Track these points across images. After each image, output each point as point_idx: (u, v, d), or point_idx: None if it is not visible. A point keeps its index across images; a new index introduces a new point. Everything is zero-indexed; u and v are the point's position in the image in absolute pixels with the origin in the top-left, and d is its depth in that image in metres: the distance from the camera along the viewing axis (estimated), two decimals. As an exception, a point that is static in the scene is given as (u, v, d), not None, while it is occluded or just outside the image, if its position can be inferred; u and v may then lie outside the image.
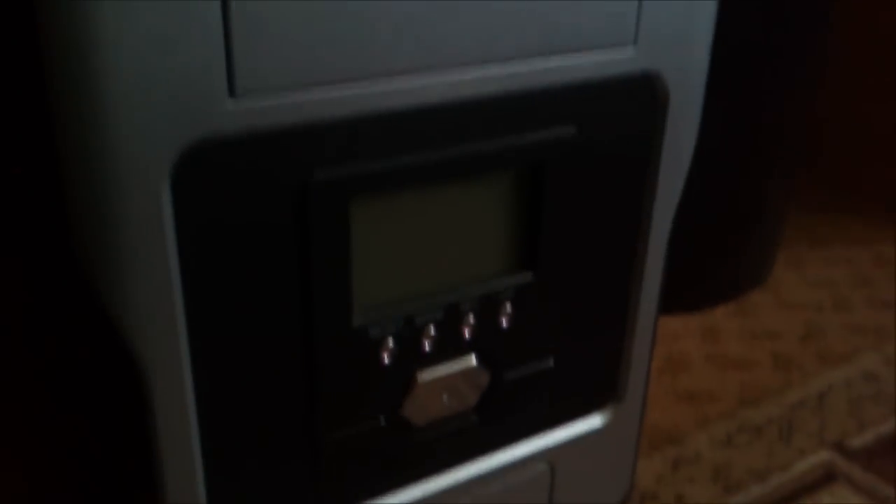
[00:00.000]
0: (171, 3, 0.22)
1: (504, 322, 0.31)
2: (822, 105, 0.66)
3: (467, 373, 0.31)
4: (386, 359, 0.29)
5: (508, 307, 0.31)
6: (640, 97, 0.30)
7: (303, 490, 0.30)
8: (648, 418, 0.53)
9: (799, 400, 0.56)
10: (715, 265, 0.65)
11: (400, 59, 0.25)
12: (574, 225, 0.31)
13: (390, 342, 0.29)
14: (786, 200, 0.67)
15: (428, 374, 0.30)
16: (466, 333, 0.31)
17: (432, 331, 0.30)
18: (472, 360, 0.31)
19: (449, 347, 0.31)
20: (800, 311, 0.65)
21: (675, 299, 0.63)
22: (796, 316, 0.65)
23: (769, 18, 0.56)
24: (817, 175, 0.79)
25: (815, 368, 0.59)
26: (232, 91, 0.23)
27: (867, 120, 0.80)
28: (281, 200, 0.25)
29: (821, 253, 0.74)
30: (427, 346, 0.30)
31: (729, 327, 0.63)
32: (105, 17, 0.21)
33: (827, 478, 0.50)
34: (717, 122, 0.57)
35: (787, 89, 0.60)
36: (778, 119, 0.61)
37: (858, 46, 0.77)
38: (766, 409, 0.55)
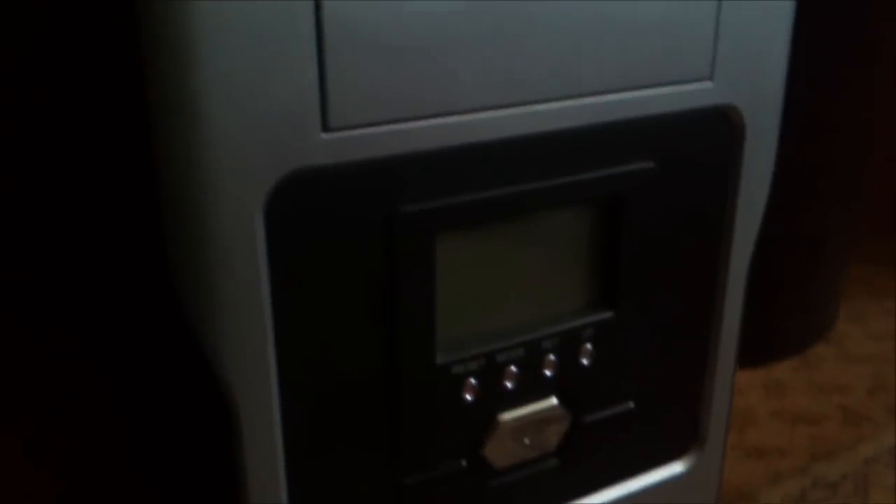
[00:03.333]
0: (269, 42, 0.22)
1: (585, 362, 0.31)
2: (879, 150, 0.65)
3: (548, 414, 0.31)
4: (468, 398, 0.29)
5: (589, 346, 0.31)
6: (718, 131, 0.30)
7: (383, 536, 0.30)
8: (717, 474, 0.52)
9: (873, 454, 0.54)
10: (777, 319, 0.64)
11: (484, 95, 0.26)
12: (653, 262, 0.31)
13: (472, 380, 0.29)
14: (845, 252, 0.66)
15: (509, 415, 0.30)
16: (547, 373, 0.30)
17: (513, 369, 0.29)
18: (553, 400, 0.31)
19: (530, 387, 0.30)
20: (866, 364, 0.64)
21: (738, 355, 0.62)
22: (863, 369, 0.63)
23: (820, 65, 0.56)
24: (875, 225, 0.78)
25: (886, 421, 0.57)
26: (325, 126, 0.24)
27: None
28: (369, 233, 0.25)
29: (882, 304, 0.72)
30: (508, 386, 0.30)
31: (794, 381, 0.62)
32: (206, 55, 0.22)
33: (908, 534, 0.48)
34: (774, 173, 0.57)
35: (840, 140, 0.60)
36: (835, 170, 0.61)
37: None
38: (839, 464, 0.53)
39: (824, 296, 0.66)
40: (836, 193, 0.62)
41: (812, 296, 0.65)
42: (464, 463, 0.30)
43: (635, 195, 0.30)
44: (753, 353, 0.64)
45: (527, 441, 0.31)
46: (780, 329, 0.65)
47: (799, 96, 0.55)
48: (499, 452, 0.30)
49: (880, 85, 0.60)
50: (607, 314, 0.31)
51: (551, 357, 0.30)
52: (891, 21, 0.59)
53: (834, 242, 0.64)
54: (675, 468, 0.35)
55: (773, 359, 0.64)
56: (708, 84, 0.29)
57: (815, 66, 0.55)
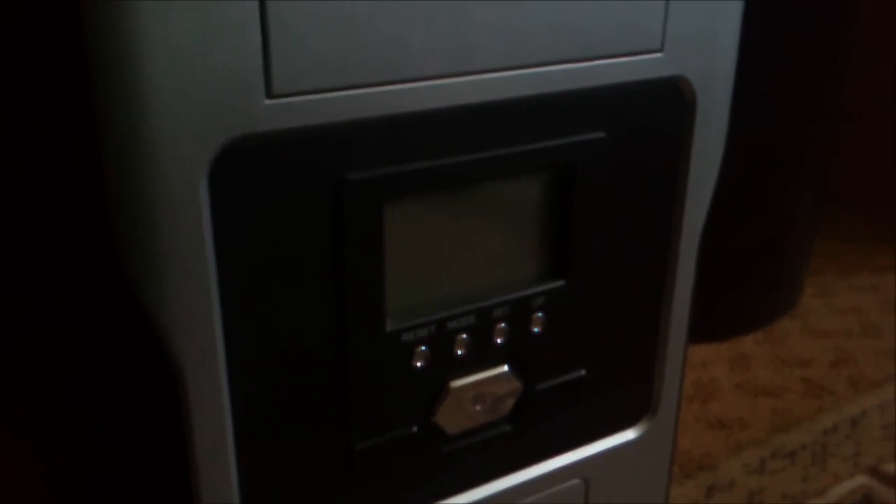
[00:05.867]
0: (211, 7, 0.22)
1: (536, 330, 0.31)
2: (846, 132, 0.66)
3: (499, 381, 0.31)
4: (419, 364, 0.29)
5: (540, 315, 0.31)
6: (669, 102, 0.31)
7: (336, 501, 0.30)
8: (679, 445, 0.52)
9: (832, 425, 0.55)
10: (742, 293, 0.65)
11: (433, 62, 0.26)
12: (605, 232, 0.31)
13: (423, 348, 0.29)
14: (811, 228, 0.66)
15: (461, 382, 0.30)
16: (498, 341, 0.31)
17: (464, 337, 0.30)
18: (505, 368, 0.31)
19: (481, 355, 0.30)
20: (829, 338, 0.65)
21: (704, 328, 0.63)
22: (826, 343, 0.64)
23: (792, 43, 0.56)
24: (843, 203, 0.79)
25: (847, 394, 0.58)
26: (269, 92, 0.24)
27: (894, 147, 0.80)
28: (316, 200, 0.26)
29: (848, 280, 0.73)
30: (459, 353, 0.30)
31: (758, 355, 0.63)
32: (146, 20, 0.22)
33: (864, 503, 0.49)
34: (741, 149, 0.57)
35: (810, 118, 0.60)
36: (802, 147, 0.61)
37: (886, 71, 0.78)
38: (799, 434, 0.54)
39: (790, 271, 0.67)
40: (804, 174, 0.62)
41: (778, 271, 0.65)
42: (415, 429, 0.30)
43: (586, 165, 0.30)
44: (719, 326, 0.64)
45: (478, 408, 0.31)
46: (746, 304, 0.65)
47: (765, 76, 0.56)
48: (451, 419, 0.31)
49: (849, 74, 0.61)
50: (558, 283, 0.31)
51: (502, 325, 0.30)
52: (856, 22, 0.59)
53: (801, 220, 0.64)
54: (628, 436, 0.35)
55: (739, 333, 0.65)
56: (659, 55, 0.30)
57: (789, 61, 0.56)
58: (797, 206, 0.64)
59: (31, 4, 0.26)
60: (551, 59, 0.28)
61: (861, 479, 0.50)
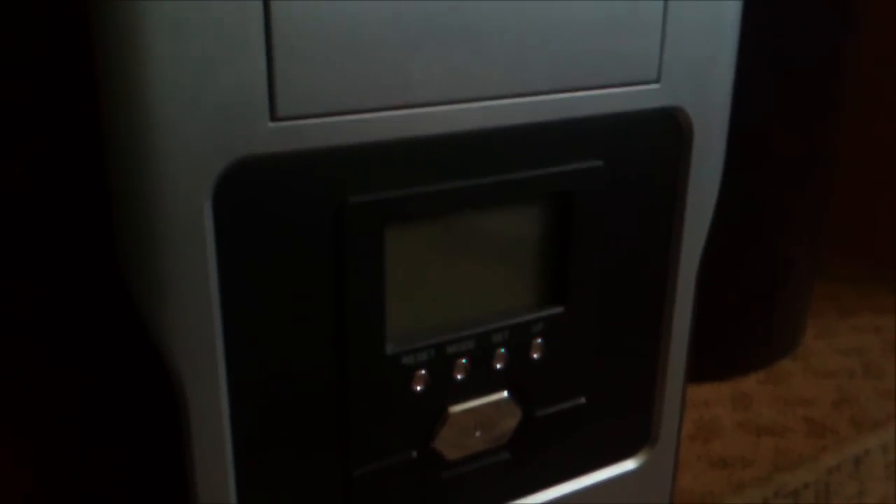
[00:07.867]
0: (217, 31, 0.23)
1: (535, 356, 0.31)
2: (847, 171, 0.67)
3: (499, 407, 0.31)
4: (418, 389, 0.29)
5: (539, 341, 0.31)
6: (665, 132, 0.31)
7: (334, 527, 0.30)
8: (681, 484, 0.52)
9: (835, 464, 0.55)
10: (744, 334, 0.65)
11: (434, 89, 0.26)
12: (603, 260, 0.32)
13: (423, 371, 0.29)
14: (812, 269, 0.67)
15: (460, 407, 0.30)
16: (498, 366, 0.31)
17: (464, 362, 0.30)
18: (504, 394, 0.31)
19: (481, 380, 0.31)
20: (831, 379, 0.65)
21: (705, 369, 0.63)
22: (828, 383, 0.64)
23: (787, 86, 0.57)
24: (844, 244, 0.79)
25: (849, 434, 0.58)
26: (273, 115, 0.24)
27: (893, 187, 0.80)
28: (317, 223, 0.26)
29: (850, 322, 0.73)
30: (459, 378, 0.30)
31: (760, 394, 0.62)
32: (154, 42, 0.22)
33: (868, 543, 0.48)
34: (740, 189, 0.58)
35: (807, 159, 0.61)
36: (802, 188, 0.62)
37: (883, 111, 0.78)
38: (801, 474, 0.54)
39: (792, 313, 0.67)
40: (802, 215, 0.63)
41: (779, 313, 0.65)
42: (414, 454, 0.30)
43: (584, 193, 0.30)
44: (721, 367, 0.64)
45: (478, 434, 0.31)
46: (747, 344, 0.65)
47: (763, 115, 0.57)
48: (450, 444, 0.31)
49: (845, 114, 0.62)
50: (557, 310, 0.31)
51: (502, 351, 0.31)
52: (848, 72, 0.60)
53: (802, 261, 0.64)
54: (628, 466, 0.35)
55: (740, 374, 0.65)
56: (655, 86, 0.30)
57: (784, 103, 0.57)
58: (797, 247, 0.64)
59: (40, 23, 0.27)
60: (550, 88, 0.28)
61: (865, 519, 0.50)
